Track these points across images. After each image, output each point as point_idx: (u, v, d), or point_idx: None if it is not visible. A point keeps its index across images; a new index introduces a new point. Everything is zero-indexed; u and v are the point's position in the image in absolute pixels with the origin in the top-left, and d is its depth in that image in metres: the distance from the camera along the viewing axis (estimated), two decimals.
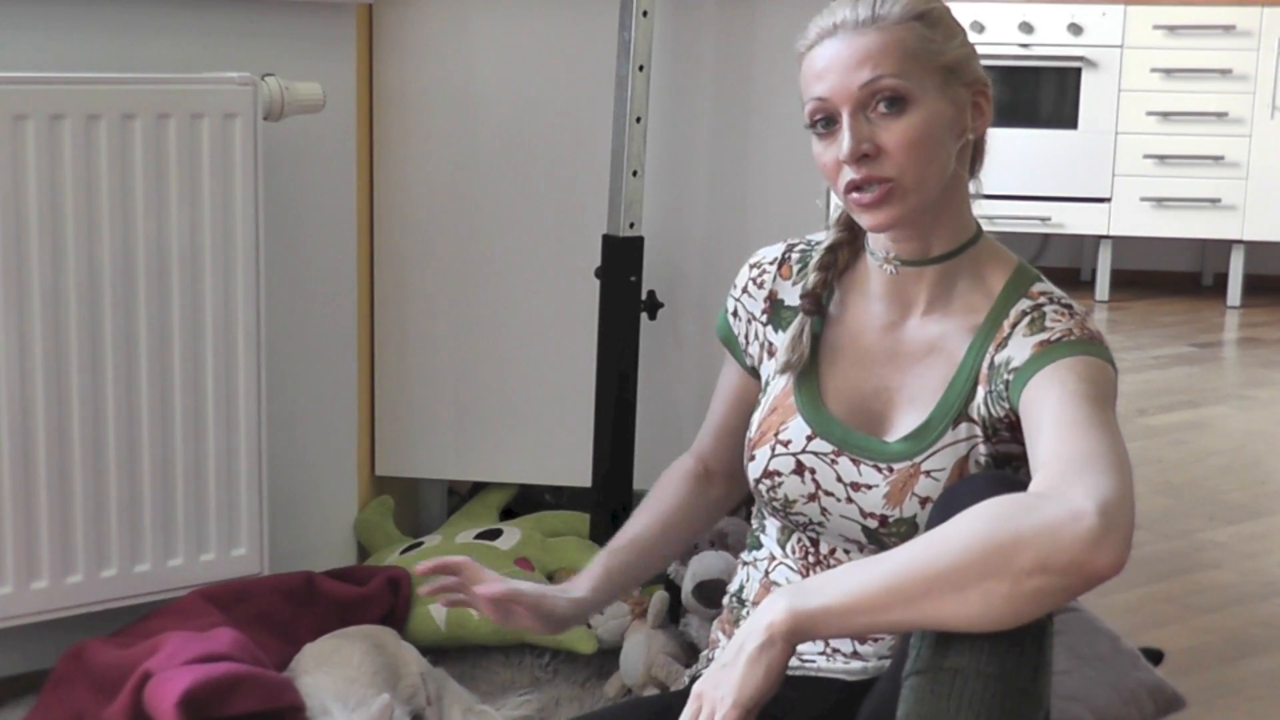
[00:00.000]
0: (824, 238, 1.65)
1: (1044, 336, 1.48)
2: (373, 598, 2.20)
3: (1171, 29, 5.21)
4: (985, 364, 1.52)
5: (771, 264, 1.68)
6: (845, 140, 1.47)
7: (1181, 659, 2.35)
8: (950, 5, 1.55)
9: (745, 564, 1.71)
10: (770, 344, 1.67)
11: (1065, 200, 5.29)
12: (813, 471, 1.58)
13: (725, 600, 1.74)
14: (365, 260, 2.49)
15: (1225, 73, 5.20)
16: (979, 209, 1.60)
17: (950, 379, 1.55)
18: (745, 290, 1.69)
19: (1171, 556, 2.85)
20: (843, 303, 1.63)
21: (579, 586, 1.71)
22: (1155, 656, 2.28)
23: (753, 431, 1.65)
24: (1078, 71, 5.24)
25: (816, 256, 1.63)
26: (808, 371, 1.62)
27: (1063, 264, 5.82)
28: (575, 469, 2.52)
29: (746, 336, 1.70)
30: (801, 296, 1.63)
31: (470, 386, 2.55)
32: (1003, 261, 1.58)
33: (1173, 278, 5.83)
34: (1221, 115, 5.22)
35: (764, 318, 1.68)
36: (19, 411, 1.96)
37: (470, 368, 2.54)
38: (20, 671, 2.11)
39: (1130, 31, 5.22)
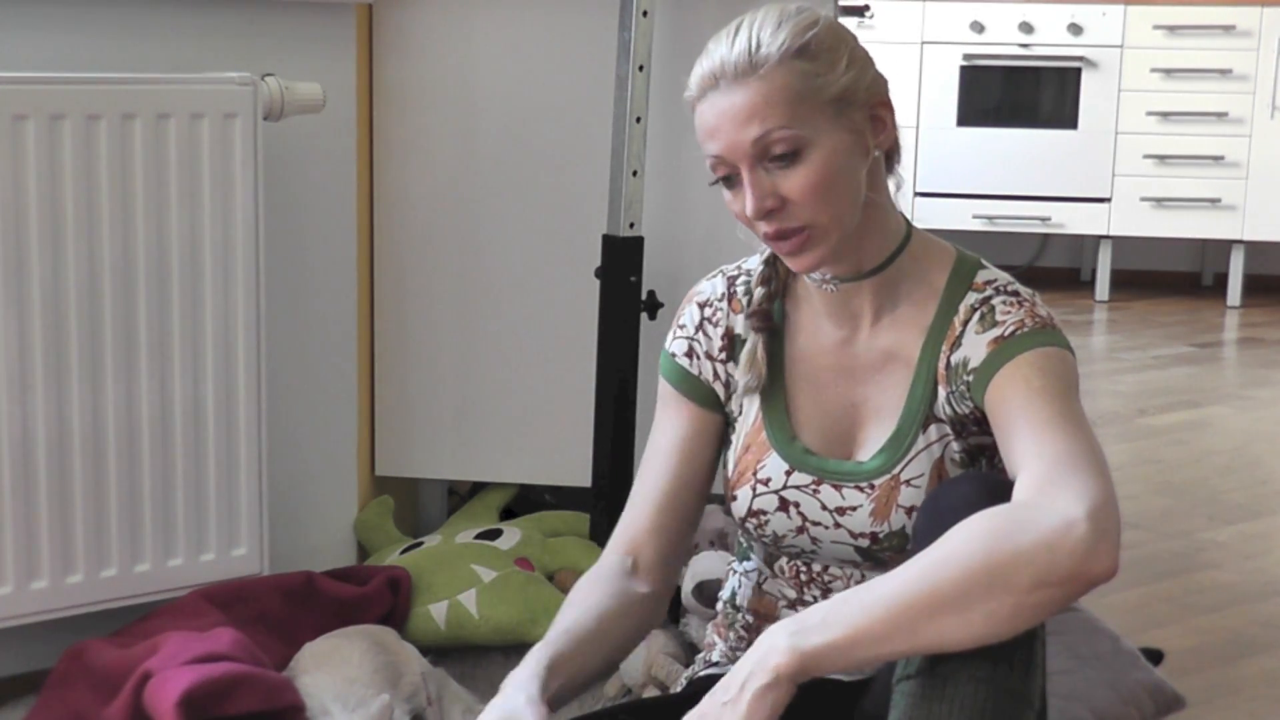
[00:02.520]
0: (757, 260, 1.63)
1: (997, 333, 1.47)
2: (373, 598, 2.20)
3: (1171, 29, 5.21)
4: (942, 364, 1.51)
5: (721, 300, 1.64)
6: (748, 199, 1.45)
7: (1181, 659, 2.35)
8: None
9: (736, 573, 1.70)
10: (732, 379, 1.63)
11: (1065, 200, 5.28)
12: (796, 505, 1.57)
13: (718, 606, 1.73)
14: (365, 260, 2.49)
15: (1225, 73, 5.20)
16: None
17: (910, 383, 1.54)
18: (700, 328, 1.64)
19: (1171, 556, 2.85)
20: (794, 326, 1.61)
21: (520, 693, 1.41)
22: (1155, 656, 2.28)
23: (730, 471, 1.62)
24: (1078, 71, 5.24)
25: (756, 273, 1.61)
26: (775, 403, 1.60)
27: (1063, 264, 5.81)
28: (575, 469, 2.51)
29: (706, 374, 1.64)
30: (749, 315, 1.60)
31: (470, 386, 2.55)
32: (941, 255, 1.56)
33: (1173, 278, 5.83)
34: (1221, 115, 5.22)
35: (723, 355, 1.63)
36: (19, 411, 1.96)
37: (470, 368, 2.54)
38: (20, 671, 2.11)
39: (1130, 31, 5.22)
